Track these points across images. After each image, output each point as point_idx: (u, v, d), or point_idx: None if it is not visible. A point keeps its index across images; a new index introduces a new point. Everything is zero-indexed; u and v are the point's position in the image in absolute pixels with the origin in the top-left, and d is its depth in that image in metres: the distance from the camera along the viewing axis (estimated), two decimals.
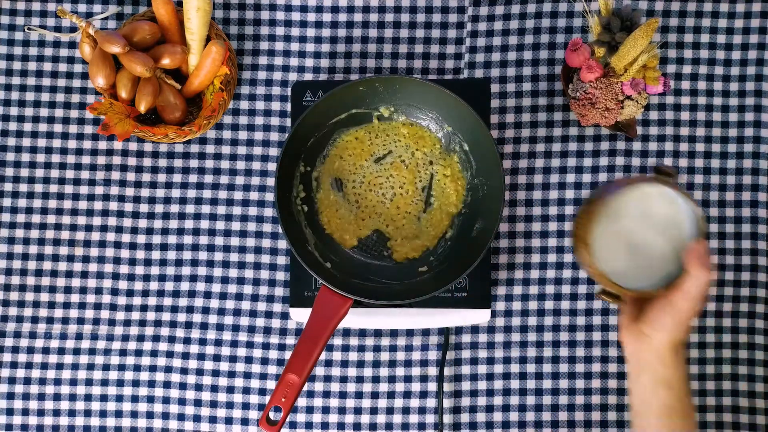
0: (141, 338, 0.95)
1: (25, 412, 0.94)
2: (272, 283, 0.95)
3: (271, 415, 0.79)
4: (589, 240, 0.66)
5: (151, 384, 0.94)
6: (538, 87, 0.95)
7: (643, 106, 0.89)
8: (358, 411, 0.94)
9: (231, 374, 0.94)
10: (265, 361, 0.94)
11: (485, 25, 0.96)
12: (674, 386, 0.65)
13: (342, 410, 0.94)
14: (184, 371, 0.94)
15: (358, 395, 0.94)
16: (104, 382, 0.94)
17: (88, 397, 0.94)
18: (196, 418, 0.94)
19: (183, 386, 0.94)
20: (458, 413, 0.93)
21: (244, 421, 0.94)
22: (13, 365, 0.95)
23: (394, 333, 0.94)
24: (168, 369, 0.94)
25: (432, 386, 0.94)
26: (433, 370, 0.94)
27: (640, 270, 0.66)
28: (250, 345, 0.94)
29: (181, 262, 0.95)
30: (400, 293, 0.85)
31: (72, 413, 0.94)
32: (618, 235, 0.66)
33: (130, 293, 0.95)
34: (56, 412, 0.94)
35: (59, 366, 0.95)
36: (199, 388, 0.94)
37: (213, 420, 0.94)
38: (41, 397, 0.94)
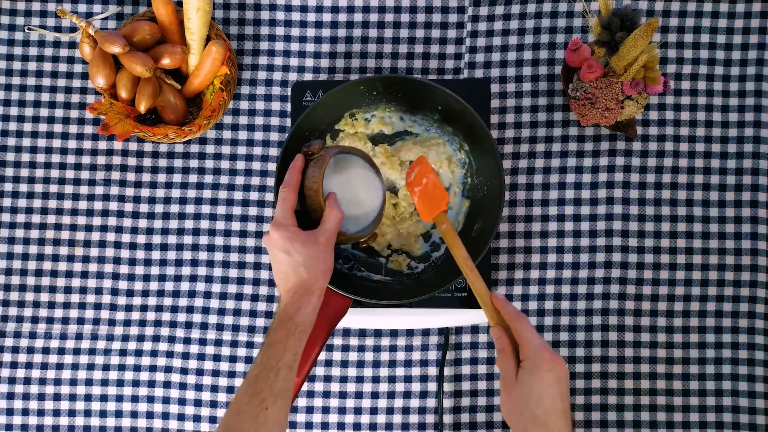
0: (141, 338, 0.95)
1: (25, 412, 0.94)
2: (272, 283, 0.95)
3: None
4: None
5: (151, 384, 0.94)
6: (538, 87, 0.95)
7: (643, 106, 0.89)
8: (358, 411, 0.94)
9: (231, 374, 0.94)
10: None
11: (485, 25, 0.96)
12: None
13: (342, 410, 0.94)
14: (184, 371, 0.94)
15: (358, 395, 0.94)
16: (104, 382, 0.94)
17: (88, 397, 0.94)
18: (196, 418, 0.94)
19: (183, 386, 0.94)
20: (458, 413, 0.93)
21: None
22: (13, 365, 0.95)
23: (394, 333, 0.94)
24: (168, 369, 0.94)
25: (432, 386, 0.94)
26: (433, 370, 0.94)
27: (361, 220, 0.80)
28: (250, 345, 0.94)
29: (181, 262, 0.95)
30: (400, 293, 0.85)
31: (72, 413, 0.94)
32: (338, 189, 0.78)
33: (130, 293, 0.95)
34: (56, 412, 0.94)
35: (59, 366, 0.95)
36: (199, 388, 0.94)
37: (213, 420, 0.94)
38: (41, 397, 0.94)
